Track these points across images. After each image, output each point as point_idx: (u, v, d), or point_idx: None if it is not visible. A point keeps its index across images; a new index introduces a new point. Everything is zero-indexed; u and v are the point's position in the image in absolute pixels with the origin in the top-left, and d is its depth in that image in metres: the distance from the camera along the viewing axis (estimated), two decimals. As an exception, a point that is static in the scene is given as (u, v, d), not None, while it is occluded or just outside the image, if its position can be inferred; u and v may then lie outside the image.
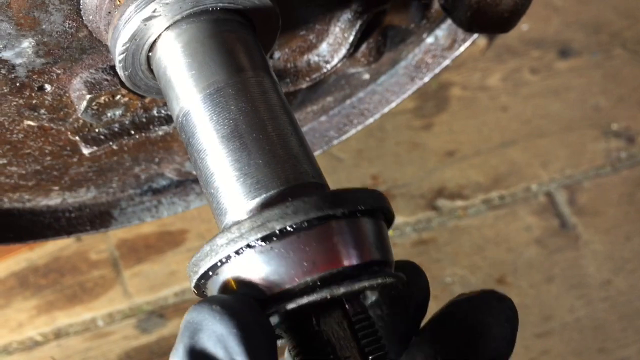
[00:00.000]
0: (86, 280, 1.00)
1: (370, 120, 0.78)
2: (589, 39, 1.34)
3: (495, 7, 0.56)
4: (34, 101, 0.54)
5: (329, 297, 0.39)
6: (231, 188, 0.43)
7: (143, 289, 1.01)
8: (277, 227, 0.40)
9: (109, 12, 0.47)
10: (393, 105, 0.77)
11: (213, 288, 0.42)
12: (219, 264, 0.41)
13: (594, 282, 1.16)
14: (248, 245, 0.40)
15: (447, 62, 0.74)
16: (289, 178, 0.42)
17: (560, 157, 1.25)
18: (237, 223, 0.41)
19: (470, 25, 0.58)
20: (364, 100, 0.78)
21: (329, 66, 0.63)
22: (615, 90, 1.32)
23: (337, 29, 0.61)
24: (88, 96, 0.53)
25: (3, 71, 0.51)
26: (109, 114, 0.56)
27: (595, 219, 1.20)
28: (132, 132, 0.60)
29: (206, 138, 0.44)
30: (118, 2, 0.47)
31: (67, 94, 0.55)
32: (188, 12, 0.46)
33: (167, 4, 0.45)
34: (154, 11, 0.45)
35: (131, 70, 0.49)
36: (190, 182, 0.79)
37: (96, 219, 0.75)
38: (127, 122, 0.59)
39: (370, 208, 0.42)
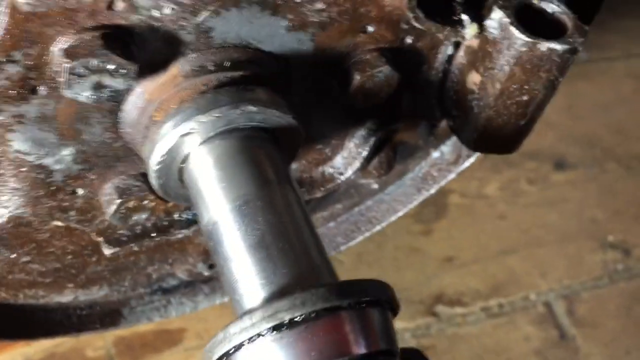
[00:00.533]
0: None
1: (378, 227, 0.82)
2: (584, 153, 1.40)
3: (500, 131, 0.61)
4: (65, 204, 0.58)
5: None
6: (256, 295, 0.46)
7: None
8: (287, 317, 0.43)
9: (147, 127, 0.52)
10: (400, 214, 0.81)
11: None
12: (232, 350, 0.45)
13: None
14: (259, 334, 0.44)
15: (452, 175, 0.78)
16: (311, 286, 0.46)
17: (559, 267, 1.27)
18: (249, 312, 0.44)
19: (476, 145, 0.63)
20: (372, 209, 0.82)
21: (342, 178, 0.68)
22: (610, 203, 1.35)
23: (352, 144, 0.66)
24: (118, 201, 0.57)
25: (41, 176, 0.55)
26: (135, 218, 0.60)
27: (594, 331, 1.21)
28: (154, 234, 0.64)
29: (234, 247, 0.48)
30: (156, 118, 0.51)
31: (97, 198, 0.59)
32: (221, 130, 0.51)
33: (203, 122, 0.50)
34: (191, 129, 0.50)
35: (164, 180, 0.53)
36: (199, 283, 0.82)
37: (106, 317, 0.77)
38: (149, 225, 0.63)
39: (376, 298, 0.45)
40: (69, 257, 0.66)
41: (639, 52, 1.51)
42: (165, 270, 0.77)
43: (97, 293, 0.76)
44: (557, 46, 0.53)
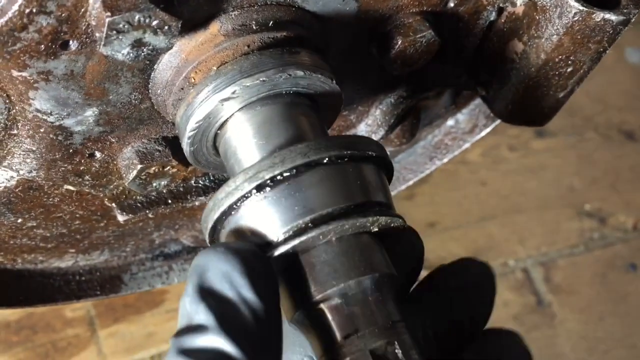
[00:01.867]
0: (60, 339, 0.97)
1: (387, 196, 0.80)
2: (564, 121, 1.40)
3: (536, 103, 0.59)
4: (81, 167, 0.54)
5: (321, 237, 0.43)
6: (308, 276, 0.43)
7: (119, 350, 0.98)
8: (267, 176, 0.43)
9: (182, 89, 0.48)
10: (410, 183, 0.79)
11: (222, 240, 0.46)
12: (223, 217, 0.45)
13: None
14: (245, 197, 0.44)
15: (466, 145, 0.76)
16: (366, 270, 0.44)
17: (537, 234, 1.29)
18: (232, 178, 0.45)
19: (509, 117, 0.61)
20: (381, 177, 0.79)
21: (365, 146, 0.65)
22: (588, 172, 1.37)
23: (378, 111, 0.63)
24: (139, 166, 0.53)
25: (60, 137, 0.51)
26: (154, 184, 0.56)
27: (570, 297, 1.24)
28: (170, 201, 0.60)
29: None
30: (193, 80, 0.47)
31: (115, 162, 0.55)
32: (263, 95, 0.47)
33: (247, 86, 0.46)
34: (233, 92, 0.46)
35: (197, 146, 0.49)
36: (202, 249, 0.78)
37: (106, 283, 0.74)
38: (166, 191, 0.59)
39: (358, 154, 0.44)
40: (77, 222, 0.62)
41: (621, 22, 1.51)
42: (170, 236, 0.74)
43: (98, 258, 0.72)
44: (612, 17, 0.51)
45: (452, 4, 0.55)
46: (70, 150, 0.52)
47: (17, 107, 0.48)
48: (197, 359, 0.38)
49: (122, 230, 0.68)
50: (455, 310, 0.46)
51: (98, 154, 0.54)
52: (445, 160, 0.78)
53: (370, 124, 0.64)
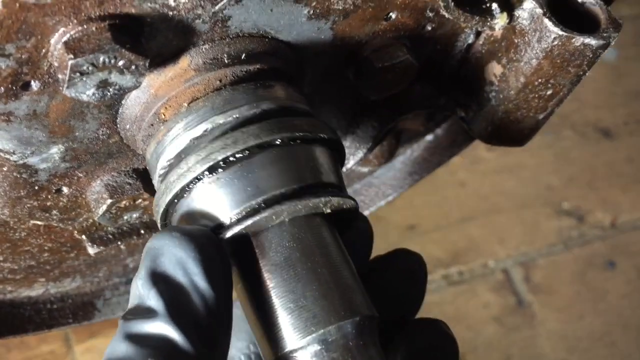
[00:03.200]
0: (35, 356, 0.96)
1: (366, 212, 0.79)
2: (541, 119, 1.41)
3: (516, 124, 0.58)
4: (48, 203, 0.52)
5: (274, 217, 0.42)
6: (286, 321, 0.42)
7: None
8: (220, 157, 0.43)
9: (152, 125, 0.46)
10: (390, 199, 0.78)
11: (174, 223, 0.45)
12: (175, 200, 0.44)
13: None
14: (197, 179, 0.43)
15: (445, 160, 0.76)
16: (345, 313, 0.42)
17: (516, 234, 1.30)
18: (184, 159, 0.44)
19: (489, 138, 0.60)
20: (360, 192, 0.79)
21: (344, 169, 0.63)
22: (565, 170, 1.38)
23: (356, 134, 0.62)
24: (109, 200, 0.51)
25: (25, 175, 0.49)
26: (125, 217, 0.54)
27: (550, 297, 1.24)
28: (142, 231, 0.58)
29: (260, 269, 0.43)
30: (164, 116, 0.46)
31: (84, 196, 0.53)
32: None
33: (219, 124, 0.44)
34: (205, 130, 0.44)
35: (169, 183, 0.47)
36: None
37: (79, 310, 0.72)
38: (138, 223, 0.57)
39: (310, 136, 0.44)
40: (46, 254, 0.60)
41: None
42: (144, 260, 0.72)
43: (69, 285, 0.70)
44: (592, 41, 0.50)
45: (429, 28, 0.54)
46: (36, 187, 0.50)
47: (-23, 147, 0.46)
48: (143, 345, 0.38)
49: (94, 259, 0.66)
50: (392, 292, 0.48)
51: (65, 189, 0.52)
52: (425, 175, 0.77)
53: (348, 146, 0.63)
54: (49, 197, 0.51)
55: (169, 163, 0.46)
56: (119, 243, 0.58)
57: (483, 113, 0.59)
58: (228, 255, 0.42)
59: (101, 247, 0.57)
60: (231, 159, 0.43)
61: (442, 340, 0.48)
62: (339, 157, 0.48)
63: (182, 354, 0.38)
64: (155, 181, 0.48)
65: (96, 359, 1.00)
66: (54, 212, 0.53)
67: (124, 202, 0.52)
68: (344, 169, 0.63)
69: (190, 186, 0.44)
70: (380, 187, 0.78)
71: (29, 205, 0.51)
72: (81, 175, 0.51)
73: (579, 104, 1.46)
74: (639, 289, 1.30)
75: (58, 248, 0.60)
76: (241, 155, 0.43)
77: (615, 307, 1.26)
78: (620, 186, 1.39)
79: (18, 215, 0.52)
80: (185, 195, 0.44)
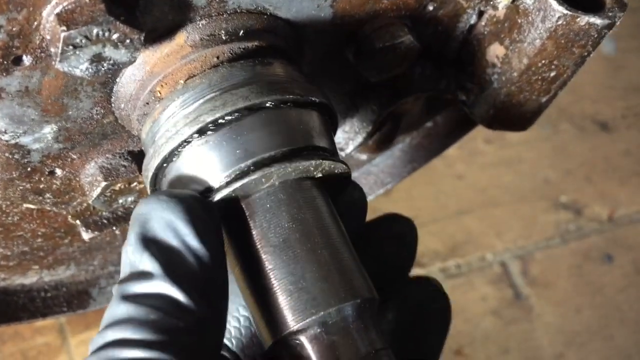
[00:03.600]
0: (29, 348, 0.95)
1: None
2: (539, 112, 1.40)
3: (518, 107, 0.57)
4: (41, 185, 0.51)
5: (263, 180, 0.41)
6: (286, 303, 0.40)
7: None
8: (208, 119, 0.42)
9: (147, 103, 0.45)
10: (389, 186, 0.77)
11: (164, 188, 0.44)
12: (164, 164, 0.43)
13: (547, 356, 1.19)
14: (186, 141, 0.42)
15: (445, 148, 0.74)
16: (346, 295, 0.41)
17: (514, 227, 1.29)
18: (173, 122, 0.43)
19: (490, 122, 0.59)
20: (359, 180, 0.77)
21: (343, 154, 0.62)
22: (563, 163, 1.38)
23: (356, 118, 0.60)
24: (103, 183, 0.50)
25: (17, 156, 0.47)
26: (120, 201, 0.53)
27: (547, 290, 1.24)
28: (138, 216, 0.57)
29: (254, 244, 0.42)
30: (159, 94, 0.44)
31: (78, 178, 0.52)
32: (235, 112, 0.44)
33: (215, 104, 0.43)
34: (201, 112, 0.43)
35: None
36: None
37: (74, 299, 0.70)
38: (132, 207, 0.56)
39: (301, 99, 0.43)
40: (39, 240, 0.59)
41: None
42: (139, 248, 0.70)
43: (64, 273, 0.69)
44: (597, 20, 0.49)
45: (430, 8, 0.52)
46: (28, 169, 0.49)
47: (-32, 126, 0.45)
48: (142, 304, 0.37)
49: (89, 245, 0.64)
50: (383, 256, 0.48)
51: (59, 172, 0.50)
52: (424, 164, 0.75)
53: (347, 130, 0.62)
54: (42, 179, 0.50)
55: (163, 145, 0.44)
56: (114, 228, 0.56)
57: (485, 96, 0.57)
58: (218, 215, 0.41)
59: (95, 232, 0.56)
60: (220, 121, 0.42)
61: (432, 296, 0.48)
62: (331, 123, 0.47)
63: (184, 311, 0.37)
64: (151, 161, 0.46)
65: None
66: (47, 195, 0.52)
67: (118, 184, 0.51)
68: (343, 154, 0.62)
69: (179, 150, 0.43)
70: (379, 175, 0.77)
71: (21, 187, 0.50)
72: (75, 156, 0.50)
73: (577, 97, 1.46)
74: (636, 283, 1.29)
75: (52, 233, 0.59)
76: (230, 117, 0.42)
77: (612, 300, 1.26)
78: (617, 179, 1.39)
79: (10, 198, 0.51)
80: (174, 159, 0.43)
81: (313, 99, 0.44)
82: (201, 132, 0.42)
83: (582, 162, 1.39)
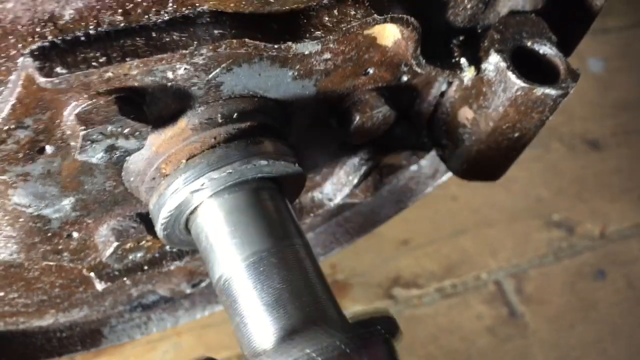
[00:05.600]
0: None
1: (356, 238, 0.84)
2: (530, 132, 1.44)
3: (488, 162, 0.64)
4: (60, 247, 0.58)
5: None
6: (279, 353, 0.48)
7: None
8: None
9: (153, 178, 0.52)
10: (377, 226, 0.83)
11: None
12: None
13: None
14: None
15: (429, 189, 0.81)
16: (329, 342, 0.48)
17: (507, 246, 1.33)
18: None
19: (463, 174, 0.66)
20: (350, 220, 0.84)
21: (332, 204, 0.69)
22: (554, 182, 1.41)
23: (342, 172, 0.67)
24: (115, 243, 0.57)
25: (39, 224, 0.54)
26: (130, 257, 0.60)
27: (541, 307, 1.28)
28: (146, 267, 0.64)
29: (250, 304, 0.49)
30: (164, 171, 0.51)
31: (92, 239, 0.59)
32: (231, 184, 0.51)
33: (215, 178, 0.50)
34: (202, 184, 0.50)
35: (170, 230, 0.53)
36: (179, 299, 0.82)
37: (87, 337, 0.77)
38: (141, 262, 0.63)
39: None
40: (57, 290, 0.66)
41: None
42: (147, 289, 0.77)
43: (77, 314, 0.76)
44: (551, 91, 0.56)
45: (405, 78, 0.59)
46: (49, 234, 0.56)
47: (-3, 202, 0.52)
48: None
49: (101, 292, 0.71)
50: None
51: (75, 234, 0.57)
52: (409, 204, 0.82)
53: (335, 182, 0.69)
54: (61, 241, 0.57)
55: (169, 214, 0.51)
56: (124, 279, 0.64)
57: (458, 152, 0.64)
58: None
59: (108, 283, 0.63)
60: None
61: None
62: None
63: None
64: (159, 229, 0.53)
65: None
66: (65, 254, 0.59)
67: (129, 244, 0.58)
68: (332, 204, 0.69)
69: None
70: (368, 215, 0.84)
71: (42, 249, 0.57)
72: (90, 221, 0.57)
73: (567, 117, 1.49)
74: (629, 298, 1.33)
75: (68, 284, 0.66)
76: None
77: (605, 315, 1.30)
78: (608, 197, 1.42)
79: (32, 258, 0.58)
80: None
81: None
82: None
83: (573, 181, 1.42)
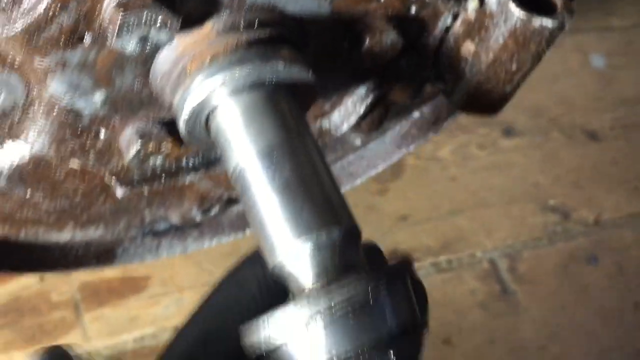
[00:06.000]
0: (46, 322, 1.03)
1: (358, 181, 0.89)
2: (531, 121, 1.49)
3: (487, 95, 0.68)
4: (87, 145, 0.63)
5: None
6: (283, 230, 0.52)
7: (103, 333, 1.04)
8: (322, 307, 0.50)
9: (179, 77, 0.57)
10: (380, 169, 0.88)
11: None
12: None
13: (532, 347, 1.27)
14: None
15: (430, 134, 0.86)
16: (334, 223, 0.52)
17: (503, 227, 1.36)
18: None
19: (464, 107, 0.71)
20: (353, 163, 0.89)
21: (338, 132, 0.74)
22: (552, 169, 1.45)
23: (350, 101, 0.72)
24: (139, 142, 0.62)
25: (71, 117, 0.59)
26: (150, 161, 0.65)
27: (533, 287, 1.31)
28: (163, 178, 0.69)
29: (262, 190, 0.54)
30: (189, 70, 0.57)
31: (116, 141, 0.64)
32: (249, 84, 0.56)
33: (235, 76, 0.55)
34: (223, 81, 0.55)
35: (191, 127, 0.58)
36: (188, 228, 0.87)
37: (101, 255, 0.82)
38: (160, 169, 0.68)
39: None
40: (78, 197, 0.71)
41: (586, 28, 1.60)
42: (159, 214, 0.82)
43: (93, 234, 0.80)
44: (548, 23, 0.61)
45: (414, 9, 0.65)
46: (79, 129, 0.61)
47: (35, 91, 0.57)
48: None
49: (118, 207, 0.76)
50: None
51: (102, 133, 0.62)
52: (411, 148, 0.87)
53: (342, 112, 0.74)
54: (88, 139, 0.62)
55: (192, 108, 0.57)
56: (143, 186, 0.68)
57: (459, 85, 0.69)
58: None
59: (128, 189, 0.68)
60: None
61: None
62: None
63: None
64: (181, 124, 0.58)
65: (104, 327, 1.07)
66: (91, 154, 0.64)
67: (150, 146, 0.63)
68: (338, 133, 0.74)
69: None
70: (371, 159, 0.89)
71: (71, 145, 0.62)
72: (116, 121, 0.62)
73: (568, 108, 1.53)
74: (619, 283, 1.36)
75: (89, 191, 0.71)
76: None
77: (596, 299, 1.33)
78: (605, 187, 1.45)
79: (61, 154, 0.63)
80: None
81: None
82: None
83: (571, 169, 1.46)
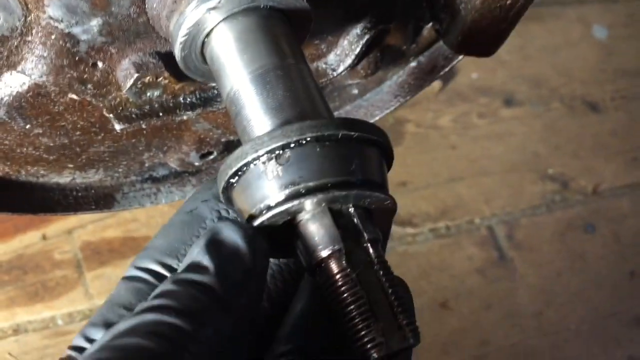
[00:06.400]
0: (48, 279, 1.04)
1: (355, 130, 0.89)
2: (531, 91, 1.49)
3: (482, 34, 0.69)
4: (85, 76, 0.63)
5: (323, 204, 0.49)
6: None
7: (104, 291, 1.06)
8: (294, 137, 0.50)
9: (174, 2, 0.57)
10: (377, 118, 0.88)
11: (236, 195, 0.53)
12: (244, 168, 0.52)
13: (527, 312, 1.28)
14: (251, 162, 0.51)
15: (427, 84, 0.86)
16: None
17: (502, 195, 1.37)
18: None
19: (459, 47, 0.71)
20: (351, 113, 0.89)
21: (334, 73, 0.74)
22: (552, 139, 1.45)
23: (346, 42, 0.72)
24: (136, 74, 0.62)
25: (68, 45, 0.60)
26: (148, 94, 0.65)
27: (531, 254, 1.32)
28: (160, 114, 0.69)
29: (254, 111, 0.54)
30: (185, -6, 0.57)
31: (114, 73, 0.64)
32: (243, 7, 0.56)
33: (228, -2, 0.55)
34: (218, 2, 0.55)
35: (187, 52, 0.58)
36: (187, 175, 0.87)
37: (100, 199, 0.82)
38: (157, 104, 0.68)
39: (374, 138, 0.53)
40: (78, 133, 0.71)
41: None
42: (158, 159, 0.82)
43: (93, 177, 0.81)
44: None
45: (409, -56, 0.65)
46: (76, 58, 0.61)
47: (32, 15, 0.57)
48: (185, 287, 0.47)
49: (116, 147, 0.77)
50: None
51: (100, 64, 0.63)
52: (408, 97, 0.87)
53: (339, 53, 0.74)
54: (86, 69, 0.62)
55: (188, 31, 0.57)
56: (141, 122, 0.69)
57: (454, 24, 0.69)
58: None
59: (126, 124, 0.68)
60: (303, 141, 0.50)
61: None
62: (387, 162, 0.55)
63: (216, 298, 0.46)
64: (177, 50, 0.59)
65: (105, 285, 1.08)
66: (89, 85, 0.64)
67: (147, 77, 0.63)
68: (334, 74, 0.74)
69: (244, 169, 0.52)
70: (368, 108, 0.89)
71: (69, 75, 0.62)
72: (113, 51, 0.62)
73: (569, 79, 1.53)
74: (615, 252, 1.37)
75: (88, 127, 0.71)
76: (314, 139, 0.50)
77: (592, 266, 1.34)
78: (603, 157, 1.46)
79: (59, 84, 0.63)
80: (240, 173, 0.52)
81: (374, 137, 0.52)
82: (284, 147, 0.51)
83: (570, 139, 1.46)
